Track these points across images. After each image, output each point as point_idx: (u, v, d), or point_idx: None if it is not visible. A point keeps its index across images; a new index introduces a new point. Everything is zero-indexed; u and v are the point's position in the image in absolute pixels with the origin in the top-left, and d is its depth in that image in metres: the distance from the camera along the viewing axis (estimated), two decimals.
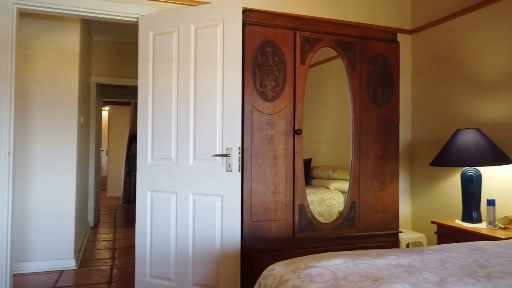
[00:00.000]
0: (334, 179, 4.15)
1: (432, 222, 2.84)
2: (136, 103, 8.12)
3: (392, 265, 1.33)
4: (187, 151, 2.55)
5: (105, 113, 8.83)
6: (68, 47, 3.64)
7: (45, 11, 2.63)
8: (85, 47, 4.34)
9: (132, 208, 7.32)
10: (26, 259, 3.47)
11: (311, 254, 2.53)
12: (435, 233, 2.81)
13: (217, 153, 2.45)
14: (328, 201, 3.50)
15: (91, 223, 5.43)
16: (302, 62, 2.66)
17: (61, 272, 3.47)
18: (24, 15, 3.19)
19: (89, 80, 5.09)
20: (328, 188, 3.79)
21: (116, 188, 8.74)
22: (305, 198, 2.66)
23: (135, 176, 7.99)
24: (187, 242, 2.54)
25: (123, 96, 7.22)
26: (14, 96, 2.54)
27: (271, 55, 2.58)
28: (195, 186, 2.52)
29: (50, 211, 3.55)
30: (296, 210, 2.62)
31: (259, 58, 2.55)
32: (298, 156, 2.63)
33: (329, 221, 2.83)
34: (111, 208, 7.22)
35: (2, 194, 2.47)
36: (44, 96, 3.55)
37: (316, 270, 1.29)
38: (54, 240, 3.55)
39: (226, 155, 2.41)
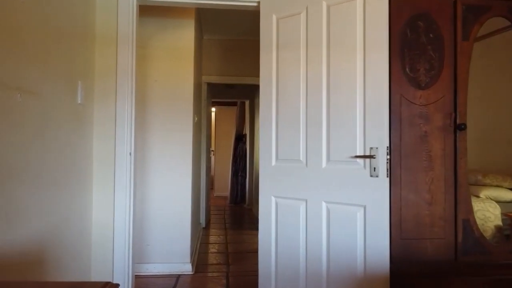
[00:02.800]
0: (485, 185, 3.42)
1: None
2: (242, 103, 8.06)
3: None
4: (319, 152, 2.16)
5: (212, 114, 8.98)
6: (184, 45, 3.53)
7: (164, 1, 2.48)
8: (198, 46, 4.25)
9: (239, 209, 7.24)
10: (146, 261, 3.43)
11: (481, 283, 1.95)
12: None
13: (358, 154, 2.01)
14: (479, 212, 2.84)
15: (203, 224, 5.39)
16: (465, 37, 2.08)
17: (178, 276, 3.36)
18: (142, 13, 3.13)
19: (201, 80, 5.04)
20: (477, 196, 3.10)
21: (222, 187, 8.83)
22: (471, 211, 2.08)
23: (242, 176, 7.95)
24: (319, 259, 2.14)
25: (231, 96, 7.17)
26: (135, 96, 2.42)
27: (424, 31, 2.06)
28: (329, 194, 2.11)
29: (167, 212, 3.47)
30: (459, 226, 2.05)
31: (409, 36, 2.05)
32: (461, 158, 2.06)
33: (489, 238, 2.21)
34: (219, 208, 7.22)
35: (124, 195, 2.36)
36: (161, 95, 3.49)
37: None
38: (171, 242, 3.46)
39: (370, 157, 1.96)
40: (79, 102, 2.06)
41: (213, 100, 6.92)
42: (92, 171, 2.31)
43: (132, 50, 2.37)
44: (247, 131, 7.66)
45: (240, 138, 8.00)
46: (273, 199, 2.36)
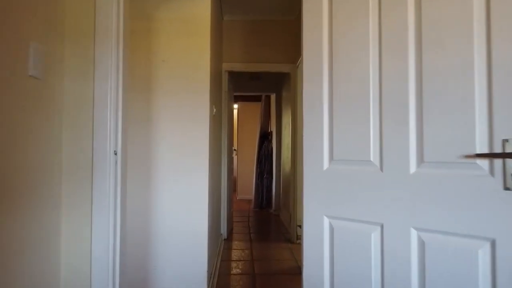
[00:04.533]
0: None
1: None
2: (267, 97, 7.28)
3: None
4: (404, 149, 1.36)
5: (234, 111, 8.25)
6: (198, 16, 2.79)
7: None
8: (216, 21, 3.50)
9: (265, 215, 6.47)
10: (152, 287, 2.71)
11: None
12: None
13: (478, 152, 1.20)
14: None
15: (224, 235, 4.64)
16: None
17: None
18: None
19: (221, 68, 4.30)
20: None
21: (246, 190, 8.10)
22: None
23: (267, 178, 7.15)
24: None
25: (255, 88, 6.42)
26: (123, 69, 1.68)
27: None
28: (422, 216, 1.31)
29: (179, 226, 2.74)
30: None
31: None
32: None
33: None
34: (243, 214, 6.47)
35: (105, 208, 1.62)
36: (171, 78, 2.76)
37: None
38: (184, 264, 2.73)
39: (504, 156, 1.15)
40: (30, 74, 1.34)
41: (235, 94, 6.17)
42: (60, 179, 1.58)
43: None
44: (273, 128, 6.88)
45: (265, 136, 7.22)
46: (325, 220, 1.57)
